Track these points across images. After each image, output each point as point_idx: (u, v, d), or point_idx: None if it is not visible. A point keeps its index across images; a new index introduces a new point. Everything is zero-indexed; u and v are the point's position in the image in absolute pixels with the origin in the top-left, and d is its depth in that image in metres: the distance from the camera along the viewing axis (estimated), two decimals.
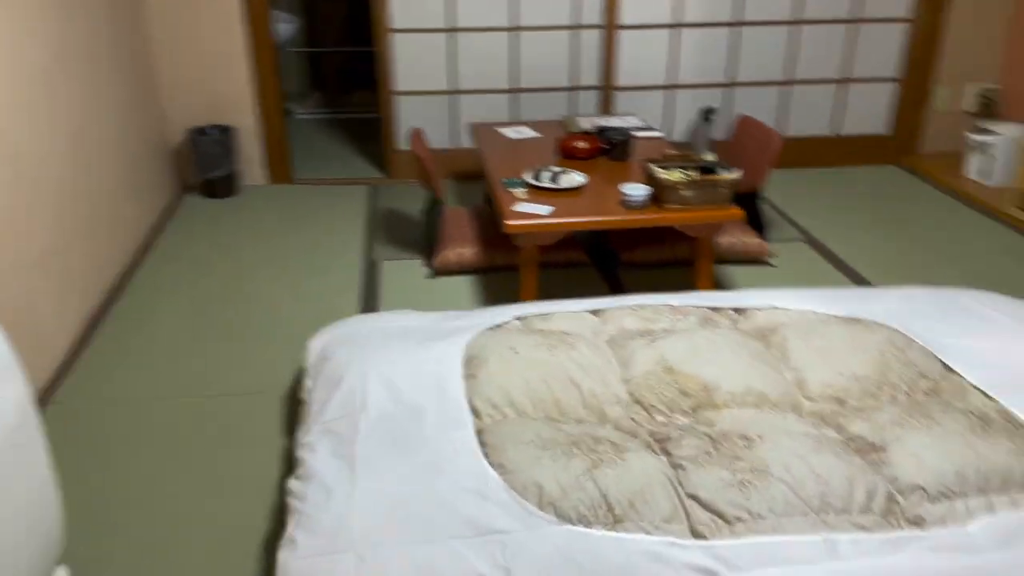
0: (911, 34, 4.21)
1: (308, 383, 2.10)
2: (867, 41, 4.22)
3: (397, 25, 3.94)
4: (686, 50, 4.13)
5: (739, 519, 1.55)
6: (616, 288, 3.04)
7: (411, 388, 1.92)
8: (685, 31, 4.09)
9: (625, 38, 4.07)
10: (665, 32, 4.08)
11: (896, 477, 1.65)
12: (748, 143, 3.31)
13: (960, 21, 4.21)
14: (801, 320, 2.28)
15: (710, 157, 2.85)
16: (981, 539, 1.51)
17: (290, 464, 2.09)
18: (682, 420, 1.88)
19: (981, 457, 1.65)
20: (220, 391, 2.44)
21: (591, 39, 4.06)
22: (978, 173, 4.02)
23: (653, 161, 2.83)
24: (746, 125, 3.39)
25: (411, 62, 4.03)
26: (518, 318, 2.28)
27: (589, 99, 4.17)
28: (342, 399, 1.92)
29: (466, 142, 4.20)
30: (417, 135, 3.20)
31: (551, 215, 2.66)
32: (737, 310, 2.37)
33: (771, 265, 3.24)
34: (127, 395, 2.43)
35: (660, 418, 1.90)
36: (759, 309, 2.36)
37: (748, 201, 3.18)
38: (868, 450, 1.73)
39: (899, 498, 1.62)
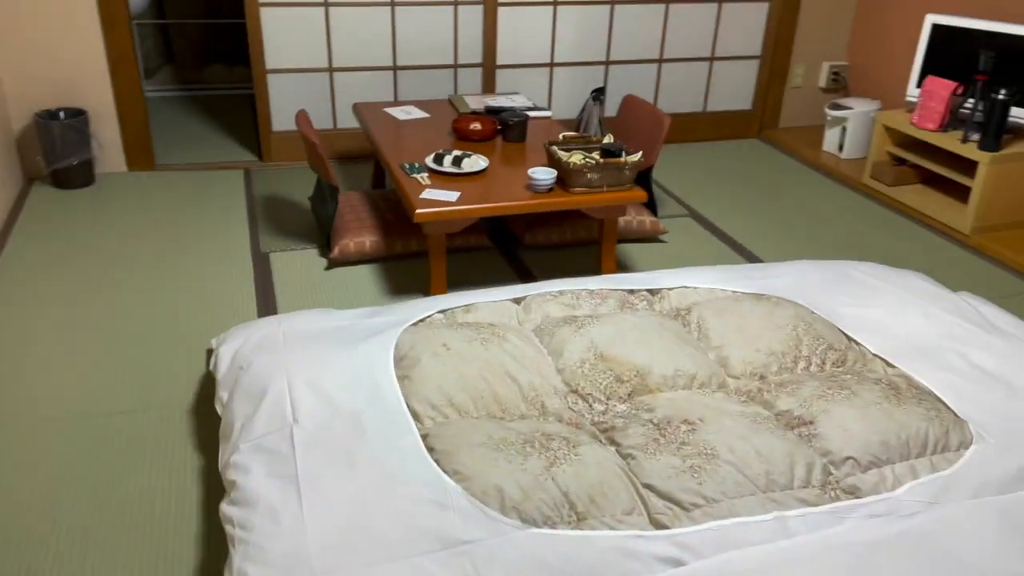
0: (771, 14, 4.43)
1: (223, 395, 1.96)
2: (732, 20, 4.40)
3: None
4: (565, 28, 4.14)
5: (695, 505, 1.59)
6: (522, 271, 3.03)
7: (344, 394, 1.83)
8: (564, 9, 4.10)
9: (505, 15, 4.02)
10: (544, 9, 4.07)
11: (828, 450, 1.75)
12: (636, 123, 3.37)
13: (814, 1, 4.47)
14: (712, 298, 2.37)
15: (608, 139, 2.88)
16: (910, 503, 1.64)
17: (211, 486, 1.95)
18: (620, 407, 1.91)
19: (900, 424, 1.79)
20: (114, 408, 2.23)
21: (472, 15, 3.98)
22: (833, 146, 4.32)
23: (555, 144, 2.83)
24: (632, 104, 3.45)
25: (284, 38, 3.80)
26: (441, 311, 2.22)
27: (471, 77, 4.11)
28: (269, 412, 1.80)
29: (345, 122, 4.03)
30: (304, 117, 3.03)
31: (459, 201, 2.60)
32: (651, 291, 2.42)
33: (663, 242, 3.34)
34: (5, 419, 2.17)
35: (598, 406, 1.92)
36: (671, 289, 2.42)
37: (641, 180, 3.25)
38: (797, 424, 1.83)
39: (833, 470, 1.72)
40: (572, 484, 1.59)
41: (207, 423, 2.14)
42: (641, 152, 2.77)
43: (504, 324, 2.17)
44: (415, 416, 1.80)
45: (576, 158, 2.75)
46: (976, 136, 3.33)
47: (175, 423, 2.17)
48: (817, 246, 3.34)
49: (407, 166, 2.83)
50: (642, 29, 4.26)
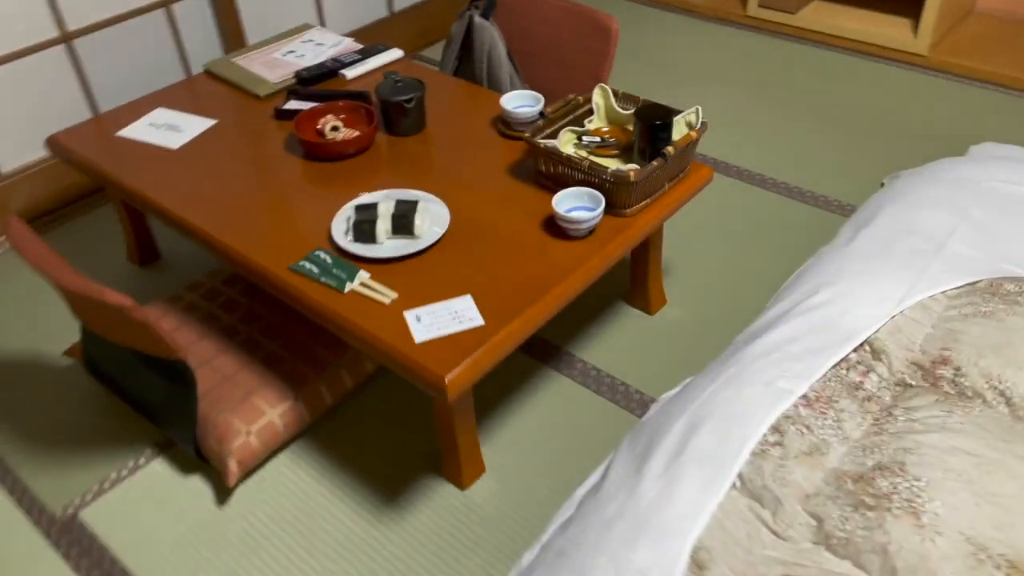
0: None
1: None
2: None
3: None
4: None
5: None
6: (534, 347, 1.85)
7: None
8: None
9: None
10: None
11: None
12: (550, 37, 2.15)
13: None
14: (940, 321, 1.49)
15: (603, 95, 1.71)
16: None
17: None
18: None
19: None
20: None
21: None
22: None
23: (543, 136, 1.61)
24: (531, 6, 2.20)
25: None
26: None
27: (196, 16, 2.47)
28: None
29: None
30: (21, 229, 1.42)
31: (490, 321, 1.34)
32: (858, 350, 1.46)
33: None
34: None
35: None
36: (876, 333, 1.48)
37: None
38: None
39: None
40: None
41: None
42: (682, 111, 1.67)
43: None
44: None
45: (569, 144, 1.60)
46: None
47: None
48: (801, 126, 2.52)
49: (310, 267, 1.44)
50: None
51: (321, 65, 2.07)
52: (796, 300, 1.58)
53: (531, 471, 1.56)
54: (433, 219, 1.52)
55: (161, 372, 1.48)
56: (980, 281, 1.57)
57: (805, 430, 1.29)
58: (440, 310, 1.35)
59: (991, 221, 1.71)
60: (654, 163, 1.50)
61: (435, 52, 3.03)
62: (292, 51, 2.17)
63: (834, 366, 1.41)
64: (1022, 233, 1.68)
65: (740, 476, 1.23)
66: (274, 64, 2.11)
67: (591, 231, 1.50)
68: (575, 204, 1.51)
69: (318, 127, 1.80)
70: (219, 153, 1.81)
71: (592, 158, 1.58)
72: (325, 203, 1.61)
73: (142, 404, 1.63)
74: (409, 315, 1.35)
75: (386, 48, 2.15)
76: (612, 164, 1.61)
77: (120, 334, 1.42)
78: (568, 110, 1.70)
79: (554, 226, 1.52)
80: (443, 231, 1.50)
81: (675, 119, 1.60)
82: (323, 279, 1.42)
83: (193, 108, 1.97)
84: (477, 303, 1.37)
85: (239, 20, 2.54)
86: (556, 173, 1.58)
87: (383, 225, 1.48)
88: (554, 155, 1.55)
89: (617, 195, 1.51)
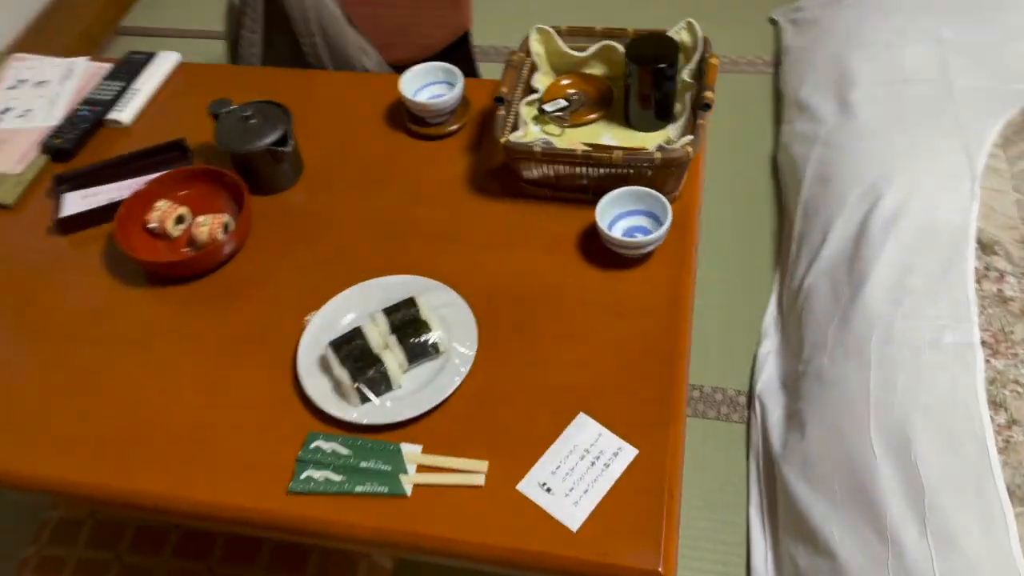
0: None
1: None
2: None
3: None
4: None
5: None
6: None
7: None
8: None
9: None
10: None
11: None
12: None
13: None
14: (1017, 177, 1.28)
15: (533, 46, 1.22)
16: None
17: None
18: None
19: None
20: None
21: None
22: None
23: (505, 128, 1.14)
24: None
25: None
26: None
27: None
28: None
29: None
30: None
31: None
32: (976, 249, 1.22)
33: None
34: None
35: None
36: (978, 226, 1.24)
37: (461, 56, 1.64)
38: None
39: None
40: None
41: None
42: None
43: None
44: None
45: (529, 120, 1.16)
46: None
47: None
48: None
49: (325, 477, 0.90)
50: None
51: (73, 119, 1.34)
52: (863, 213, 1.30)
53: None
54: (445, 314, 1.02)
55: None
56: (1011, 115, 1.39)
57: (1019, 388, 1.06)
58: (566, 459, 0.90)
59: (967, 37, 1.52)
60: (700, 122, 1.09)
61: (144, 18, 2.23)
62: (6, 108, 1.40)
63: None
64: (1005, 40, 1.51)
65: (1007, 488, 0.98)
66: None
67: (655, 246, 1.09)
68: (617, 212, 1.08)
69: (151, 226, 1.15)
70: (8, 327, 1.11)
71: (575, 135, 1.14)
72: (252, 354, 1.03)
73: None
74: (529, 489, 0.88)
75: (148, 56, 1.44)
76: (599, 133, 1.18)
77: None
78: (515, 78, 1.21)
79: (599, 253, 1.08)
80: (475, 328, 1.00)
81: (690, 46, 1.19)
82: (360, 488, 0.90)
83: None
84: (595, 419, 0.94)
85: None
86: (558, 176, 1.12)
87: (393, 360, 0.96)
88: (564, 158, 1.07)
89: (665, 179, 1.09)
